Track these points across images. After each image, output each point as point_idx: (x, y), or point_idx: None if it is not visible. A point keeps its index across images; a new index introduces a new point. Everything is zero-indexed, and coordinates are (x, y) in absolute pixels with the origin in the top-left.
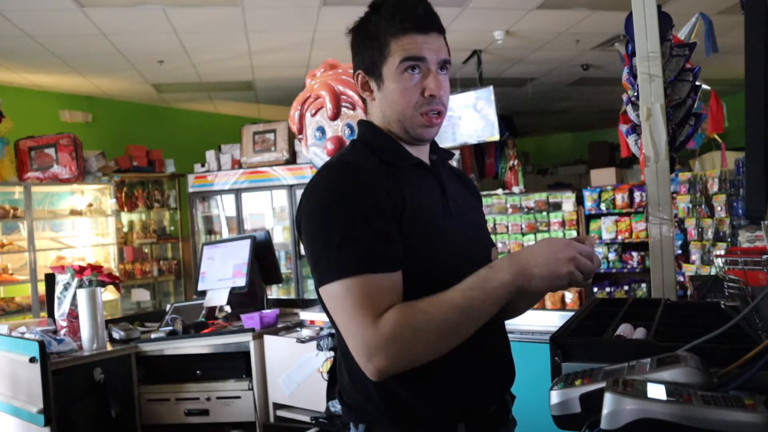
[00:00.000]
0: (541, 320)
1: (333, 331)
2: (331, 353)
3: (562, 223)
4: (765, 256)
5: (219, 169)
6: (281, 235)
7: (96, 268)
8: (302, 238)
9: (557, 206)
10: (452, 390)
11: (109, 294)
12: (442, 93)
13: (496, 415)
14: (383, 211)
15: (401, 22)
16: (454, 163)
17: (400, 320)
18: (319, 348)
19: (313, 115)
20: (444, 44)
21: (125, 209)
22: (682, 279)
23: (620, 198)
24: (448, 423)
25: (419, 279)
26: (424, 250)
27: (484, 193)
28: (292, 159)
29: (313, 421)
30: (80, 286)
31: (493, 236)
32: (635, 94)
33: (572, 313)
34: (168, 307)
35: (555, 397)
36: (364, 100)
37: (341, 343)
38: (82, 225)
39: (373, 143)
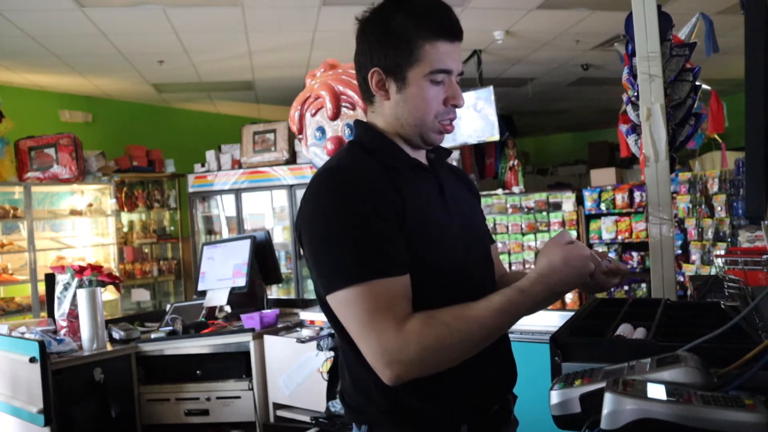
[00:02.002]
0: (541, 320)
1: (333, 331)
2: (331, 353)
3: (562, 223)
4: (765, 256)
5: (219, 169)
6: (281, 235)
7: (96, 268)
8: (303, 245)
9: (557, 206)
10: (455, 391)
11: (109, 294)
12: (462, 103)
13: (498, 415)
14: (385, 215)
15: (436, 28)
16: (454, 162)
17: (425, 331)
18: (319, 348)
19: (313, 115)
20: None
21: (125, 209)
22: (682, 279)
23: (620, 198)
24: (450, 424)
25: (420, 281)
26: (425, 252)
27: (484, 193)
28: (292, 159)
29: (313, 421)
30: (80, 286)
31: (493, 236)
32: (635, 94)
33: (572, 313)
34: (168, 307)
35: (555, 397)
36: (370, 99)
37: (344, 345)
38: (82, 225)
39: (370, 145)
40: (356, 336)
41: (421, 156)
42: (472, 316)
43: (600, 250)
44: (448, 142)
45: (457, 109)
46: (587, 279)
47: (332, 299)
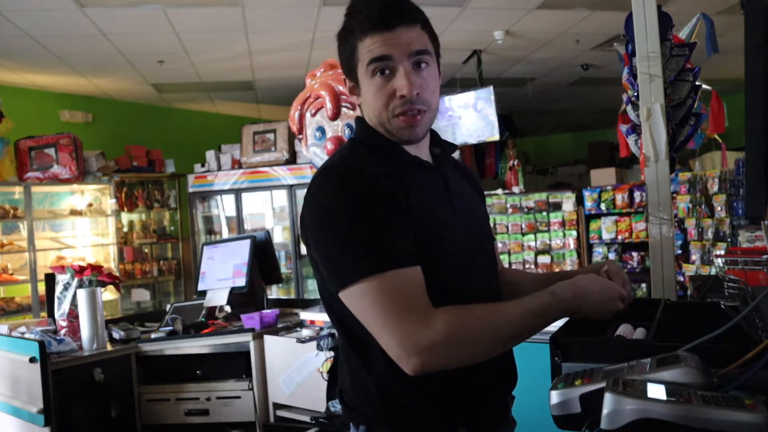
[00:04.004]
0: None
1: (333, 331)
2: (331, 353)
3: (562, 223)
4: (765, 256)
5: (219, 169)
6: (281, 235)
7: (96, 268)
8: (311, 244)
9: (557, 206)
10: (453, 392)
11: (109, 294)
12: (416, 91)
13: (496, 417)
14: (392, 209)
15: (362, 23)
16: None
17: (455, 321)
18: (319, 348)
19: (313, 115)
20: (420, 34)
21: (125, 209)
22: (682, 279)
23: (620, 198)
24: (448, 425)
25: (425, 275)
26: (429, 247)
27: (484, 193)
28: (292, 159)
29: (313, 421)
30: (80, 286)
31: (493, 235)
32: (635, 94)
33: None
34: (168, 307)
35: (555, 397)
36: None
37: (345, 344)
38: (82, 225)
39: (371, 143)
40: (377, 327)
41: (422, 152)
42: (502, 311)
43: (599, 250)
44: None
45: (458, 109)
46: (613, 309)
47: (347, 294)
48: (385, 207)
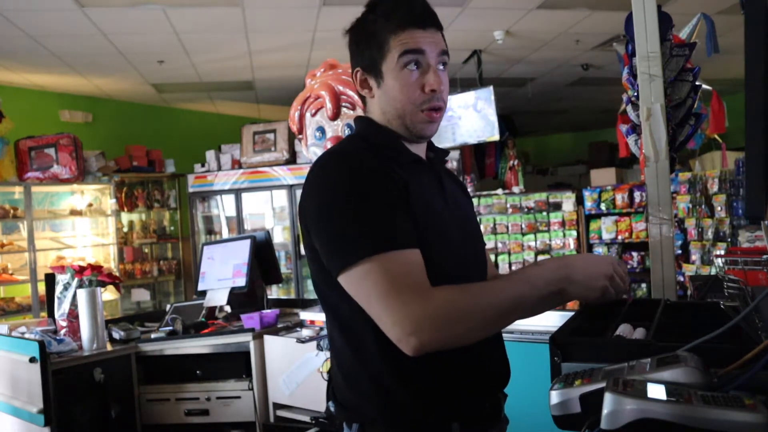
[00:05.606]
0: (541, 320)
1: None
2: None
3: (562, 223)
4: (765, 256)
5: (219, 169)
6: (281, 235)
7: (96, 268)
8: (311, 229)
9: (557, 206)
10: (447, 389)
11: (109, 294)
12: (443, 88)
13: (489, 413)
14: (392, 194)
15: (400, 18)
16: (453, 163)
17: (453, 298)
18: (319, 348)
19: (313, 115)
20: (442, 40)
21: (125, 209)
22: (682, 279)
23: (620, 198)
24: (442, 422)
25: None
26: (425, 237)
27: (484, 193)
28: (292, 159)
29: (313, 421)
30: (80, 286)
31: (493, 236)
32: (635, 94)
33: (572, 313)
34: (168, 307)
35: (555, 397)
36: (363, 99)
37: (338, 341)
38: (82, 225)
39: (371, 139)
40: (377, 307)
41: (421, 152)
42: (497, 286)
43: (599, 250)
44: (448, 142)
45: (458, 109)
46: (598, 287)
47: (348, 276)
48: (385, 190)
